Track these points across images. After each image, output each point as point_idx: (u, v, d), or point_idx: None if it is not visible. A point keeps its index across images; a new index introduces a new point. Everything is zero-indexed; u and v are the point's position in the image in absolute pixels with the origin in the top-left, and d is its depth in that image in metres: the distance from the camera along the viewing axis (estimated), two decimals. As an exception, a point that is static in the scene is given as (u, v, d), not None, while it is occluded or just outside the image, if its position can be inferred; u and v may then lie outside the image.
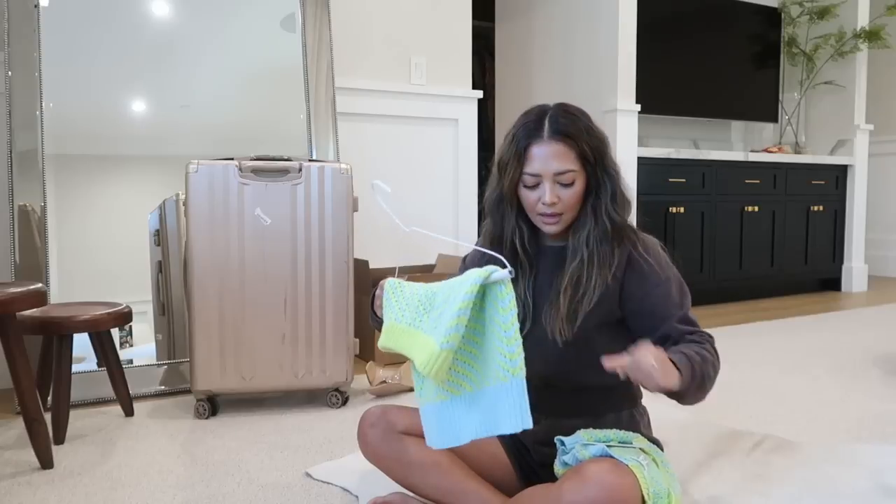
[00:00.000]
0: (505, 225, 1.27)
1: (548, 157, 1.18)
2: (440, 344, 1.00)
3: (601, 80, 3.60)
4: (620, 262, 1.22)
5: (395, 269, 1.29)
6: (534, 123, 1.20)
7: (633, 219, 1.31)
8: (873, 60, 4.74)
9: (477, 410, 1.03)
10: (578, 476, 1.08)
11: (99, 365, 2.09)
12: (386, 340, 1.13)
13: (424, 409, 1.11)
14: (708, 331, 1.22)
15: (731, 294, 4.19)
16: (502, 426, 0.99)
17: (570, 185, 1.19)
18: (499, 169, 1.25)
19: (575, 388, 1.24)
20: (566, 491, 1.07)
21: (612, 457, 1.10)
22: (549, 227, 1.23)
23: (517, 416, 0.97)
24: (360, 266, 2.63)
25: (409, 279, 2.59)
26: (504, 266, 1.01)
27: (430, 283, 1.15)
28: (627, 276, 1.22)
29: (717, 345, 1.21)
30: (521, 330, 1.01)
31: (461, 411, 1.05)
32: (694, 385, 1.08)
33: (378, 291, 1.23)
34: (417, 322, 1.09)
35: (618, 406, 1.27)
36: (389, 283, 1.18)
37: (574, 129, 1.19)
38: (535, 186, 1.20)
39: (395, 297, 1.15)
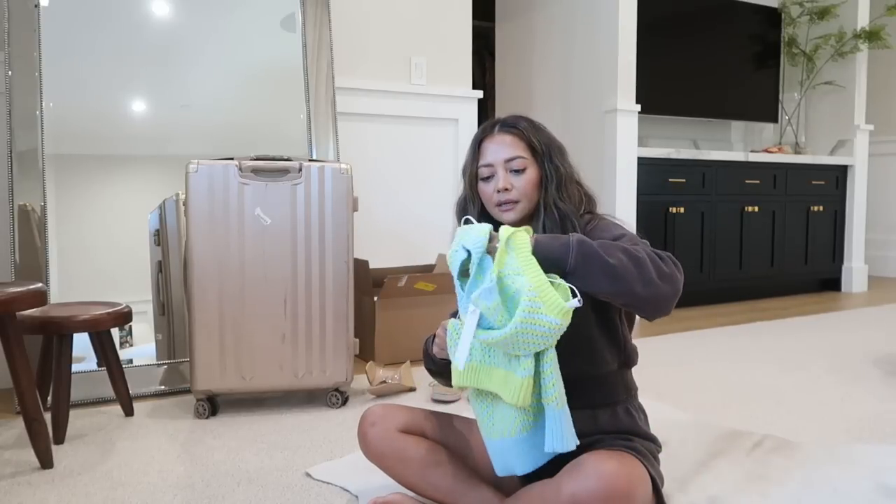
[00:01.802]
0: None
1: (498, 147, 1.29)
2: (518, 373, 1.07)
3: (601, 80, 3.60)
4: None
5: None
6: (488, 126, 1.34)
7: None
8: (873, 60, 4.74)
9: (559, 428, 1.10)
10: (577, 468, 1.09)
11: (99, 365, 2.08)
12: (460, 379, 1.17)
13: (498, 442, 1.16)
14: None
15: (731, 294, 4.19)
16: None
17: (521, 171, 1.28)
18: (462, 175, 1.36)
19: (572, 380, 1.23)
20: (565, 483, 1.07)
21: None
22: (507, 216, 1.29)
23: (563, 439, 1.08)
24: (360, 266, 2.63)
25: (409, 279, 2.58)
26: (575, 295, 1.04)
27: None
28: None
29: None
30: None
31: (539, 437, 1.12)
32: (584, 258, 1.06)
33: (439, 331, 1.27)
34: (488, 358, 1.14)
35: (613, 398, 1.27)
36: (452, 325, 1.19)
37: (521, 123, 1.31)
38: (490, 178, 1.30)
39: (456, 339, 1.19)
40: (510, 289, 1.05)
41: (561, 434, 1.06)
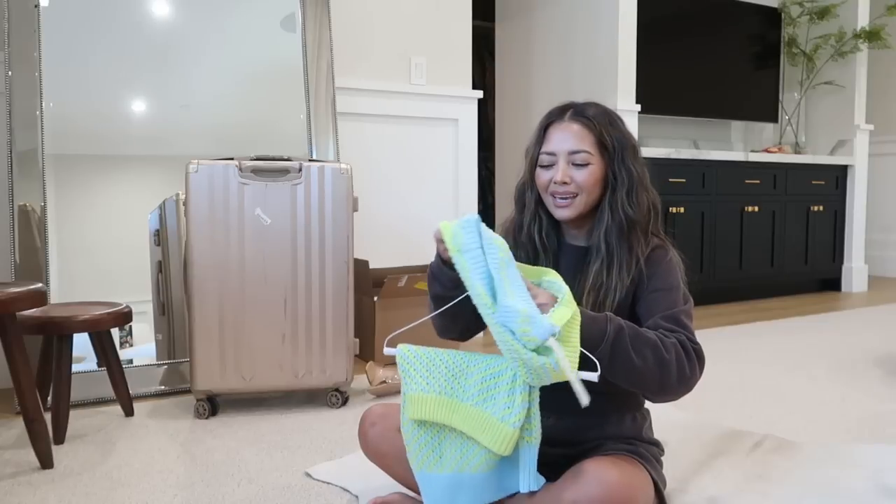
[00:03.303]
0: (525, 212, 1.28)
1: (564, 136, 1.20)
2: (511, 424, 1.02)
3: (601, 80, 3.60)
4: (639, 267, 1.20)
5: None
6: (558, 110, 1.24)
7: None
8: (873, 60, 4.74)
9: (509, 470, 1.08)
10: (578, 475, 1.08)
11: (99, 365, 2.08)
12: (416, 412, 1.11)
13: (449, 477, 1.11)
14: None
15: (731, 294, 4.19)
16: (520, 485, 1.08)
17: (583, 166, 1.20)
18: (525, 156, 1.28)
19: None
20: (567, 490, 1.07)
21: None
22: (561, 211, 1.22)
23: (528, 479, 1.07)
24: (360, 266, 2.63)
25: (409, 279, 2.56)
26: (595, 369, 1.00)
27: (455, 351, 1.13)
28: (642, 276, 1.21)
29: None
30: None
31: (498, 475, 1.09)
32: (612, 351, 1.04)
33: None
34: (450, 390, 1.08)
35: (622, 409, 1.26)
36: (401, 353, 1.14)
37: (595, 114, 1.21)
38: (550, 166, 1.22)
39: (413, 366, 1.12)
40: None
41: (535, 472, 1.05)
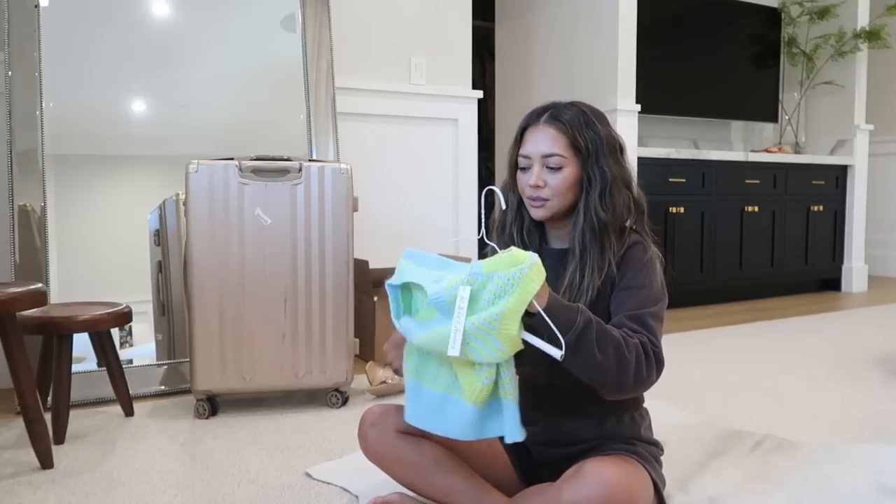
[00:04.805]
0: (508, 211, 1.30)
1: (538, 140, 1.23)
2: (481, 381, 1.03)
3: (601, 80, 3.60)
4: (611, 267, 1.20)
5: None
6: (537, 112, 1.26)
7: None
8: (873, 60, 4.74)
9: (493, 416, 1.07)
10: (578, 475, 1.08)
11: (99, 365, 2.08)
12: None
13: (438, 395, 1.11)
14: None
15: (731, 294, 4.19)
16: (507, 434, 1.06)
17: (557, 169, 1.21)
18: (508, 157, 1.31)
19: (580, 390, 1.23)
20: (566, 490, 1.07)
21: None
22: (535, 212, 1.25)
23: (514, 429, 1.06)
24: (360, 266, 2.63)
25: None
26: (560, 346, 1.02)
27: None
28: (616, 273, 1.21)
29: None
30: None
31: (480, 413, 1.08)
32: (578, 342, 1.04)
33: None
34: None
35: (620, 409, 1.26)
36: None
37: (571, 118, 1.22)
38: (527, 169, 1.24)
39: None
40: (483, 292, 1.01)
41: (517, 426, 1.04)
